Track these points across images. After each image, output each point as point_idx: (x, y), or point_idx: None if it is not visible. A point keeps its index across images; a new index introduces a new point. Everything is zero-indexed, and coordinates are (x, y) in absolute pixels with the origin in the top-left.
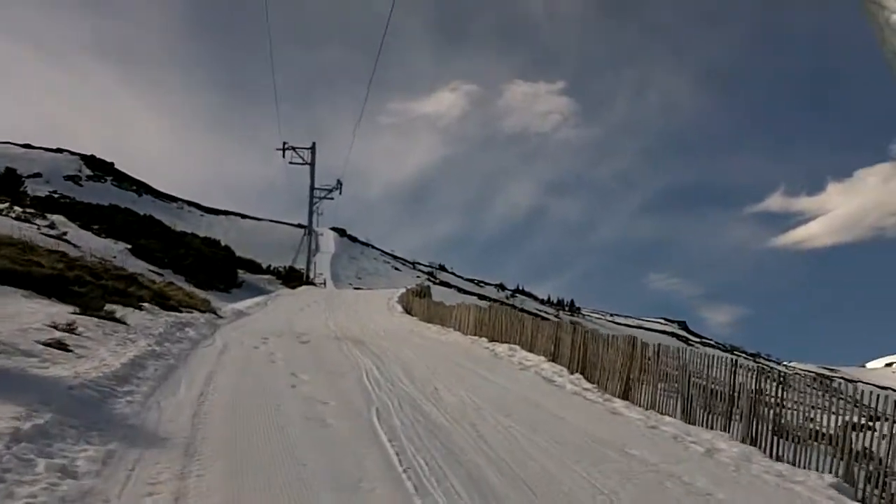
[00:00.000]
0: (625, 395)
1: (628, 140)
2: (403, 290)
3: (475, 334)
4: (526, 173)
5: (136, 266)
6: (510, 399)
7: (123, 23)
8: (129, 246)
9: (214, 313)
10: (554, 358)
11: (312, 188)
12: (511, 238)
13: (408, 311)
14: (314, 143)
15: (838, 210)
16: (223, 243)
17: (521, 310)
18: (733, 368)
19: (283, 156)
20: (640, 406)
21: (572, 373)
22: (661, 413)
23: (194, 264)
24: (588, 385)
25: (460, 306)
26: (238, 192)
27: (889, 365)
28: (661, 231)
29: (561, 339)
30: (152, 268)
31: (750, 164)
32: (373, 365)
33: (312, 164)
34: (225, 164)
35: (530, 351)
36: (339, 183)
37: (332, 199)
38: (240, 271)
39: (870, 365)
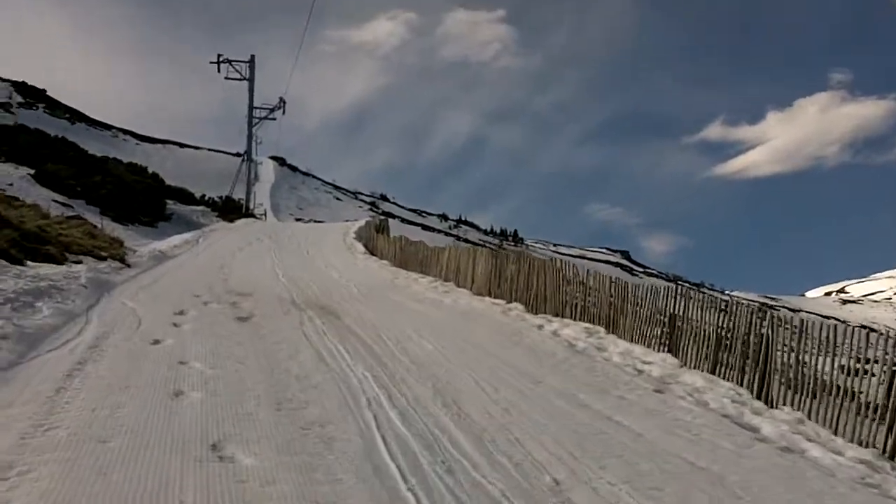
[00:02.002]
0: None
1: (569, 69)
2: (362, 224)
3: (493, 296)
4: (466, 103)
5: (38, 195)
6: None
7: None
8: (33, 171)
9: (121, 260)
10: (674, 352)
11: (252, 107)
12: (451, 168)
13: (371, 251)
14: (253, 57)
15: (778, 139)
16: (151, 170)
17: (465, 240)
18: None
19: (219, 70)
20: None
21: (771, 404)
22: None
23: (113, 194)
24: (866, 454)
25: (454, 251)
26: (176, 121)
27: (828, 294)
28: (602, 160)
29: (684, 324)
30: (59, 198)
31: (690, 92)
32: (376, 384)
33: (251, 80)
34: (163, 93)
35: (616, 333)
36: (283, 101)
37: (274, 119)
38: (170, 202)
39: (809, 294)
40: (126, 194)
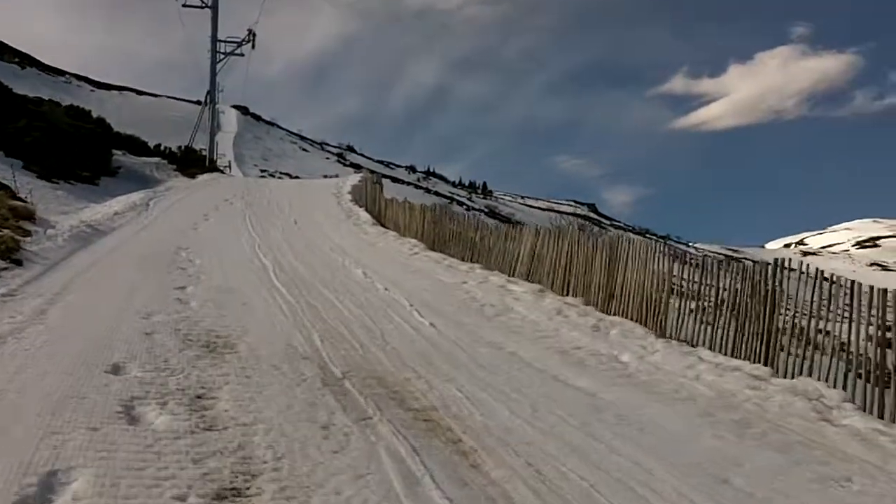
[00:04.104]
0: None
1: (535, 17)
2: (356, 181)
3: (676, 338)
4: (431, 52)
5: None
6: None
7: None
8: None
9: (8, 251)
10: None
11: (215, 39)
12: (418, 118)
13: (379, 220)
14: None
15: (739, 92)
16: (96, 115)
17: (436, 193)
18: None
19: None
20: None
21: None
22: None
23: (42, 142)
24: None
25: (546, 236)
26: (136, 68)
27: (787, 246)
28: (568, 111)
29: None
30: None
31: (655, 43)
32: None
33: (215, 7)
34: (121, 37)
35: None
36: (252, 34)
37: (241, 55)
38: (118, 153)
39: (769, 245)
40: (60, 143)
